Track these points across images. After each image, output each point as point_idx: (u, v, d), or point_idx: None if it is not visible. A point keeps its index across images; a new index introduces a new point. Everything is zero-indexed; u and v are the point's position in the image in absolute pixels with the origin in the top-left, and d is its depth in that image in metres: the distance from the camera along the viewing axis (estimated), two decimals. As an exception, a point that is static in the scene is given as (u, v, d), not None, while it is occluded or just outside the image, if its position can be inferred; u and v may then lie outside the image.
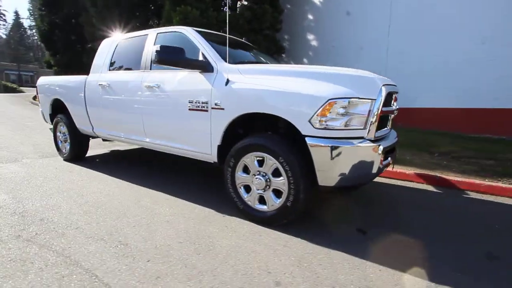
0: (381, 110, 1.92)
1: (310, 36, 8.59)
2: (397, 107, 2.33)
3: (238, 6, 7.57)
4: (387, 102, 2.06)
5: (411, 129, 5.69)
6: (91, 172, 3.54)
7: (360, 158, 1.88)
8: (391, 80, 2.25)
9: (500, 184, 3.04)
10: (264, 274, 1.59)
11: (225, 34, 3.23)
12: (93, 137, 4.01)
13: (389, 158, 2.17)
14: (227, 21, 2.22)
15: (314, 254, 1.79)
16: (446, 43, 6.10)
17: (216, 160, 2.43)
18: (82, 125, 3.76)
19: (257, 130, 2.40)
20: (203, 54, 2.44)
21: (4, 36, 51.30)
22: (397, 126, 2.74)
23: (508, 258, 1.83)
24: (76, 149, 4.01)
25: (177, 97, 2.52)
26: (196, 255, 1.76)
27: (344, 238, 2.02)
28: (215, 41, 2.64)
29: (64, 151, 4.13)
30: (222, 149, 2.36)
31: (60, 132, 4.17)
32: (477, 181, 3.13)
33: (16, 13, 55.46)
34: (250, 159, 2.16)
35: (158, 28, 2.97)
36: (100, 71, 3.39)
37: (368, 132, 1.90)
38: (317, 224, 2.23)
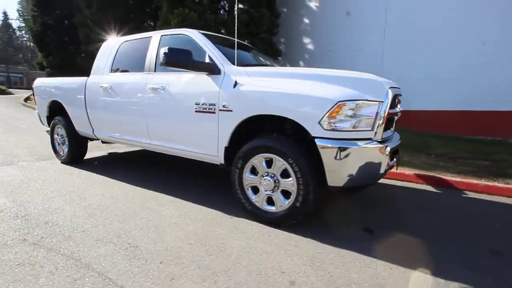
0: (388, 112, 1.97)
1: (306, 40, 8.70)
2: (401, 109, 2.38)
3: (235, 9, 7.60)
4: (392, 104, 2.11)
5: (407, 131, 5.80)
6: (91, 175, 3.49)
7: (368, 159, 1.92)
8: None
9: (496, 184, 3.13)
10: (278, 274, 1.60)
11: (228, 37, 3.26)
12: (92, 140, 3.97)
13: (394, 159, 2.22)
14: (235, 24, 2.22)
15: (325, 254, 1.82)
16: (442, 47, 6.25)
17: (223, 162, 2.43)
18: (81, 127, 3.72)
19: (261, 132, 2.42)
20: (209, 57, 2.45)
21: (-8, 37, 50.20)
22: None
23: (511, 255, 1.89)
24: (75, 151, 3.95)
25: (183, 99, 2.52)
26: (208, 256, 1.76)
27: (352, 237, 2.05)
28: (220, 44, 2.66)
29: (62, 153, 4.06)
30: (229, 151, 2.37)
31: (57, 135, 4.10)
32: (474, 181, 3.21)
33: (5, 13, 54.37)
34: (258, 160, 2.18)
35: (162, 30, 2.97)
36: (101, 73, 3.36)
37: (376, 133, 1.95)
38: (324, 224, 2.26)
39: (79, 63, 9.79)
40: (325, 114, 1.85)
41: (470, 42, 5.90)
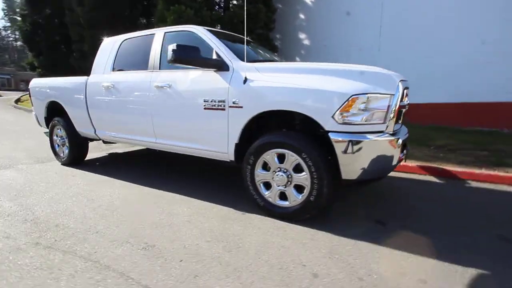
0: (399, 105, 1.99)
1: (302, 35, 8.69)
2: (408, 102, 2.41)
3: (230, 5, 7.54)
4: (402, 97, 2.14)
5: (406, 124, 5.87)
6: (95, 176, 3.45)
7: (381, 152, 1.94)
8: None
9: (497, 173, 3.21)
10: (299, 267, 1.62)
11: (233, 33, 3.23)
12: (93, 140, 3.91)
13: (404, 152, 2.25)
14: (244, 20, 2.19)
15: (342, 246, 1.84)
16: (437, 45, 6.31)
17: (232, 159, 2.43)
18: (82, 128, 3.65)
19: (268, 127, 2.42)
20: (217, 53, 2.43)
21: (-24, 38, 48.65)
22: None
23: (520, 241, 1.95)
24: (76, 152, 3.88)
25: (191, 97, 2.50)
26: (228, 253, 1.77)
27: (366, 229, 2.08)
28: (225, 40, 2.64)
29: (62, 155, 3.99)
30: (239, 148, 2.37)
31: (57, 136, 4.02)
32: (476, 171, 3.29)
33: (-11, 13, 52.70)
34: (270, 156, 2.18)
35: (165, 28, 2.93)
36: (102, 72, 3.30)
37: (387, 126, 1.97)
38: (336, 217, 2.28)
39: (72, 62, 9.58)
40: (339, 108, 1.87)
41: (469, 41, 5.95)
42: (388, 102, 1.94)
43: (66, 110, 3.73)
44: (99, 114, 3.37)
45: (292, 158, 2.08)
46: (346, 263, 1.66)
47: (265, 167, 2.26)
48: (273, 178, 2.20)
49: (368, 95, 1.87)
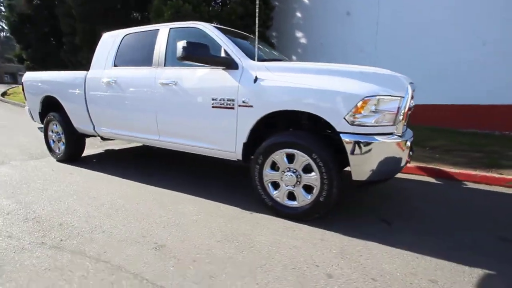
0: (408, 107, 2.02)
1: (299, 34, 8.70)
2: (414, 104, 2.45)
3: (228, 1, 7.45)
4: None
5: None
6: (93, 173, 3.37)
7: (391, 153, 1.97)
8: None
9: (493, 174, 3.32)
10: (313, 267, 1.64)
11: (239, 31, 3.20)
12: (89, 136, 3.82)
13: (410, 153, 2.29)
14: (256, 17, 2.14)
15: (352, 246, 1.87)
16: (435, 43, 6.40)
17: (240, 158, 2.42)
18: (80, 124, 3.56)
19: (275, 126, 2.42)
20: (225, 51, 2.40)
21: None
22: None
23: (519, 240, 2.02)
24: (72, 149, 3.79)
25: (198, 95, 2.47)
26: (240, 253, 1.76)
27: (373, 229, 2.11)
28: (232, 37, 2.61)
29: (57, 151, 3.88)
30: (247, 147, 2.36)
31: (52, 132, 3.91)
32: (472, 172, 3.39)
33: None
34: (279, 156, 2.18)
35: (170, 23, 2.87)
36: (103, 67, 3.21)
37: (397, 128, 2.00)
38: (343, 217, 2.30)
39: (62, 55, 9.26)
40: (351, 110, 1.88)
41: (467, 40, 6.06)
42: (398, 104, 1.97)
43: (63, 105, 3.62)
44: (98, 110, 3.29)
45: (302, 158, 2.08)
46: (358, 263, 1.68)
47: (274, 166, 2.26)
48: (281, 178, 2.21)
49: (380, 97, 1.90)
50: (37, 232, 1.99)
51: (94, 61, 3.35)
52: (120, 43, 3.17)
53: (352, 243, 1.90)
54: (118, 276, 1.52)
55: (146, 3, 8.41)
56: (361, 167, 1.96)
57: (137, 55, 3.01)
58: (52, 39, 11.04)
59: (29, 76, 4.10)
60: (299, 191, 2.16)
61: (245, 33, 3.28)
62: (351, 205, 2.57)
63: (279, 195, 2.25)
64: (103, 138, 3.73)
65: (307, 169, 2.11)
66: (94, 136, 3.70)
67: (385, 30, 7.08)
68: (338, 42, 7.94)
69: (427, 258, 1.75)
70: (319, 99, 1.98)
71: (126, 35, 3.16)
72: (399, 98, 1.97)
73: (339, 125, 1.94)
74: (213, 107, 2.38)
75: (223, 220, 2.22)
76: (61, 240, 1.89)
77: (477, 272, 1.64)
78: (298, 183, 2.16)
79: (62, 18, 8.75)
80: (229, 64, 2.33)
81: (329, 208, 2.12)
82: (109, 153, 4.57)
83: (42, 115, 3.99)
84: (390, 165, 2.02)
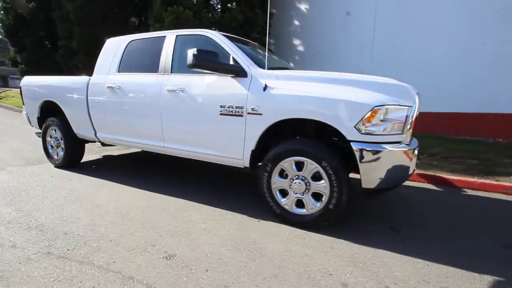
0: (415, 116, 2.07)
1: (296, 41, 8.82)
2: (418, 113, 2.50)
3: (228, 9, 7.53)
4: (415, 108, 2.22)
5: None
6: (93, 180, 3.31)
7: (400, 162, 2.00)
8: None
9: (491, 181, 3.39)
10: (327, 276, 1.63)
11: (245, 39, 3.23)
12: (88, 142, 3.76)
13: (417, 161, 2.33)
14: (267, 24, 2.18)
15: (363, 254, 1.87)
16: (433, 47, 6.53)
17: (247, 165, 2.42)
18: (81, 129, 3.51)
19: (281, 134, 2.44)
20: (234, 59, 2.42)
21: None
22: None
23: (523, 247, 2.07)
24: (71, 155, 3.73)
25: (206, 102, 2.47)
26: (252, 262, 1.75)
27: (382, 237, 2.12)
28: (240, 45, 2.64)
29: (56, 157, 3.81)
30: (255, 154, 2.36)
31: (51, 137, 3.84)
32: (471, 179, 3.46)
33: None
34: (288, 163, 2.19)
35: (177, 30, 2.88)
36: (107, 73, 3.19)
37: (404, 137, 2.04)
38: (351, 225, 2.31)
39: (57, 59, 9.14)
40: (362, 118, 1.91)
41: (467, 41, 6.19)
42: (406, 113, 2.01)
43: (64, 110, 3.57)
44: (101, 115, 3.25)
45: (312, 166, 2.10)
46: (371, 271, 1.69)
47: (282, 174, 2.26)
48: (290, 185, 2.21)
49: (390, 106, 1.93)
50: (41, 241, 1.93)
51: (97, 66, 3.32)
52: (125, 49, 3.15)
53: (362, 251, 1.91)
54: (130, 287, 1.49)
55: (145, 8, 8.43)
56: (370, 175, 1.98)
57: (143, 62, 3.00)
58: (47, 42, 10.91)
59: (27, 81, 4.03)
60: (308, 199, 2.17)
61: (250, 41, 3.32)
62: (356, 212, 2.59)
63: (287, 203, 2.25)
64: (103, 144, 3.68)
65: (316, 177, 2.12)
66: (94, 141, 3.65)
67: (382, 39, 7.23)
68: (336, 51, 8.07)
69: (436, 265, 1.77)
70: (330, 108, 2.00)
71: (132, 41, 3.15)
72: (407, 107, 2.01)
73: (350, 134, 1.96)
74: (221, 114, 2.38)
75: (231, 228, 2.20)
76: (68, 249, 1.84)
77: (486, 279, 1.66)
78: (307, 190, 2.16)
79: (59, 23, 8.67)
80: (238, 72, 2.34)
81: (339, 216, 2.13)
82: (107, 159, 4.50)
83: (41, 120, 3.92)
84: (398, 173, 2.05)
